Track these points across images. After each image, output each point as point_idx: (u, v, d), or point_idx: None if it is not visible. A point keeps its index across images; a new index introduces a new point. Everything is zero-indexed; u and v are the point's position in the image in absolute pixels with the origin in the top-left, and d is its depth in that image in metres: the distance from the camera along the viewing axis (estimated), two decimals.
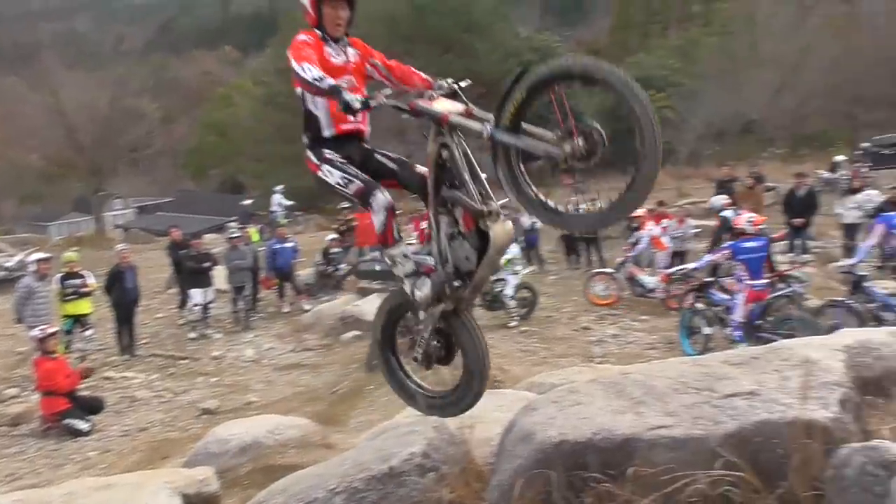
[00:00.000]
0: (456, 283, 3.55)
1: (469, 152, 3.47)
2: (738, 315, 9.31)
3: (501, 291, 12.62)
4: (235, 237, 15.19)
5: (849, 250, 13.69)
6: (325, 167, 3.65)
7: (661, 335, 11.41)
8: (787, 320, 9.08)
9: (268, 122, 35.09)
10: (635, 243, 13.87)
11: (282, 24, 36.73)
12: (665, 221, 15.02)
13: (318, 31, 3.68)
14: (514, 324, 12.59)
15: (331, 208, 25.48)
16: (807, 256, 13.80)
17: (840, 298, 9.52)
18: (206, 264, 14.17)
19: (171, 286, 16.54)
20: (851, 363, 4.35)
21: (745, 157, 28.87)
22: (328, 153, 3.67)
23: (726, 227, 11.79)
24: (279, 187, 25.65)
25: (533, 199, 3.34)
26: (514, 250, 12.92)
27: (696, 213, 21.65)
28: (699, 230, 16.83)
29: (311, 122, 3.70)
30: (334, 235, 16.96)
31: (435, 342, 3.75)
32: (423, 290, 3.59)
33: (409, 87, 3.82)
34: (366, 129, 3.84)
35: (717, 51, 38.18)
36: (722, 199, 14.27)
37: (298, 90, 3.60)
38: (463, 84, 3.64)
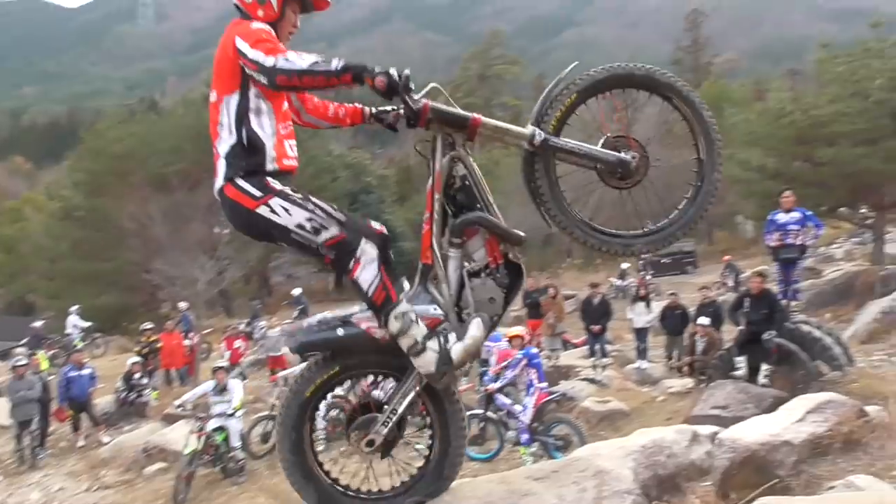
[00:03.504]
0: None
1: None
2: (528, 417, 9.60)
3: None
4: (21, 365, 13.75)
5: (642, 353, 14.94)
6: (276, 201, 2.76)
7: None
8: (556, 423, 9.64)
9: (63, 237, 32.72)
10: None
11: (84, 136, 35.02)
12: None
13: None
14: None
15: (134, 328, 23.94)
16: (606, 360, 14.78)
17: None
18: None
19: None
20: (647, 463, 4.69)
21: (546, 268, 30.94)
22: (276, 183, 2.80)
23: None
24: (75, 307, 23.77)
25: (578, 220, 2.98)
26: None
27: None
28: None
29: (251, 147, 2.79)
30: (137, 359, 15.92)
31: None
32: (471, 335, 2.78)
33: (325, 115, 3.21)
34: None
35: (517, 169, 41.70)
36: None
37: (231, 102, 2.77)
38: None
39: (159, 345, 17.02)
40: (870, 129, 19.38)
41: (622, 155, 2.87)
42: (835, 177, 20.19)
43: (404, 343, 2.77)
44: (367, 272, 2.75)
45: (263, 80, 2.62)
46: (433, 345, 2.77)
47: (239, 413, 11.21)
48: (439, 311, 2.86)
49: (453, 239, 2.89)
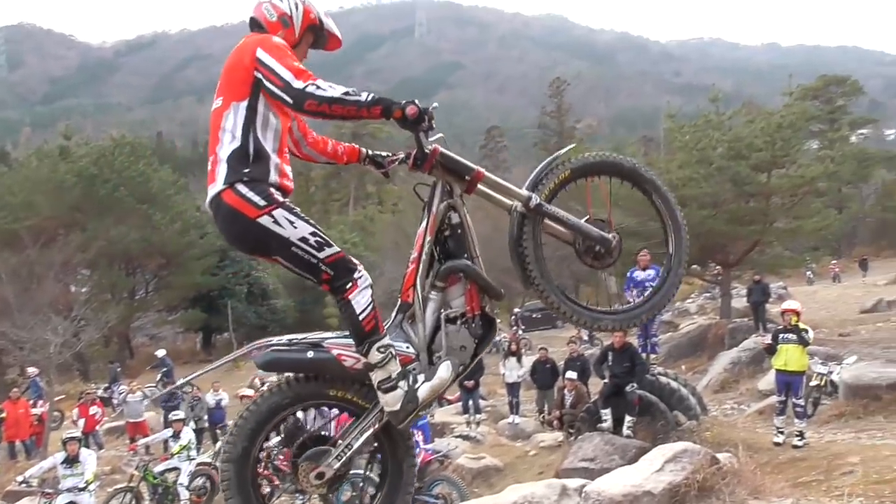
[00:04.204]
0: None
1: None
2: None
3: (176, 482, 11.27)
4: None
5: (514, 407, 15.21)
6: (280, 213, 2.65)
7: None
8: (436, 482, 9.59)
9: None
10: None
11: None
12: None
13: None
14: None
15: None
16: (480, 416, 14.93)
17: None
18: None
19: None
20: None
21: None
22: (279, 195, 2.70)
23: None
24: None
25: (555, 287, 3.07)
26: (188, 434, 12.08)
27: None
28: None
29: (256, 155, 2.71)
30: None
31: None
32: (439, 376, 2.80)
33: (324, 150, 3.23)
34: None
35: (390, 226, 42.10)
36: None
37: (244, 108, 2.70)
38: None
39: (2, 415, 15.65)
40: (713, 193, 21.06)
41: (605, 234, 3.06)
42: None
43: (378, 376, 2.72)
44: (363, 296, 2.73)
45: (287, 99, 2.58)
46: (403, 384, 2.74)
47: (92, 486, 10.40)
48: (412, 350, 2.88)
49: (437, 282, 2.93)
